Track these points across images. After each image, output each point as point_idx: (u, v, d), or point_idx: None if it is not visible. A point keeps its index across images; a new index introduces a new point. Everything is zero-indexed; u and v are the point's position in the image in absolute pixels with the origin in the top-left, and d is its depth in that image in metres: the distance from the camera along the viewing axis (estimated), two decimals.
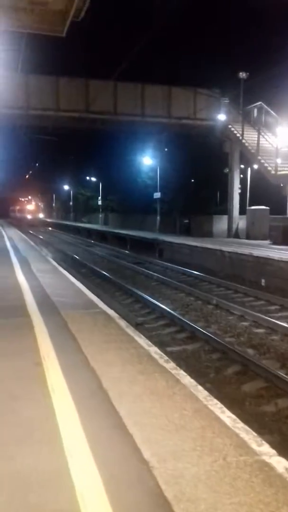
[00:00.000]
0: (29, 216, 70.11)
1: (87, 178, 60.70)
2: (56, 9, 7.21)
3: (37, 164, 64.75)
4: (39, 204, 76.10)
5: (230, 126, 24.60)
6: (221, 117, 24.87)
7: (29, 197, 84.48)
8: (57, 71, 24.64)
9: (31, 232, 45.11)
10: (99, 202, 53.54)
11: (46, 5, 6.90)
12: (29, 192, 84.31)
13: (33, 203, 77.02)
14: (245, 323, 10.16)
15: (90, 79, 24.08)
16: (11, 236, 28.81)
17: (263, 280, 15.06)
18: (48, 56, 23.18)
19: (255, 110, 24.12)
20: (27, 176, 73.41)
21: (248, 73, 24.04)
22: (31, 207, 74.46)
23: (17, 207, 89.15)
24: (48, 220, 67.79)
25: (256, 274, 15.58)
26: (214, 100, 25.31)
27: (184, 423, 3.38)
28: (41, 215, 73.00)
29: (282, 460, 2.85)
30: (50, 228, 55.75)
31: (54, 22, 7.50)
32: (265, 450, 2.97)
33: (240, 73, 23.96)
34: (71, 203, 68.57)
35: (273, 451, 2.96)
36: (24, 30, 8.40)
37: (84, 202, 64.70)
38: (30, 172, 70.63)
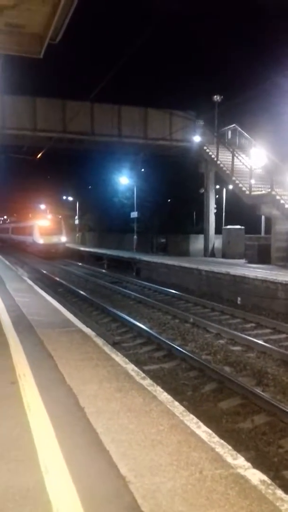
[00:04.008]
0: (39, 241, 38.06)
1: (64, 197, 60.62)
2: (33, 32, 7.30)
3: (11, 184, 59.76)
4: (60, 218, 42.09)
5: (205, 148, 25.04)
6: (196, 138, 25.32)
7: (43, 206, 51.17)
8: (34, 92, 24.83)
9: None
10: (76, 222, 53.40)
11: (23, 27, 6.98)
12: (6, 211, 74.66)
13: (50, 216, 42.64)
14: (222, 341, 10.23)
15: (67, 99, 24.29)
16: None
17: (239, 298, 15.22)
18: (25, 77, 23.38)
19: (229, 132, 24.64)
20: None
21: (222, 96, 24.63)
22: (45, 223, 39.54)
23: (12, 225, 55.72)
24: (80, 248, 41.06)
25: (232, 293, 15.74)
26: (190, 122, 25.77)
27: (161, 438, 3.40)
28: (63, 239, 39.43)
29: (257, 472, 2.89)
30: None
31: (31, 44, 7.58)
32: (240, 463, 3.01)
33: (215, 96, 24.52)
34: None
35: (248, 464, 3.00)
36: (0, 51, 8.49)
37: None
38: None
